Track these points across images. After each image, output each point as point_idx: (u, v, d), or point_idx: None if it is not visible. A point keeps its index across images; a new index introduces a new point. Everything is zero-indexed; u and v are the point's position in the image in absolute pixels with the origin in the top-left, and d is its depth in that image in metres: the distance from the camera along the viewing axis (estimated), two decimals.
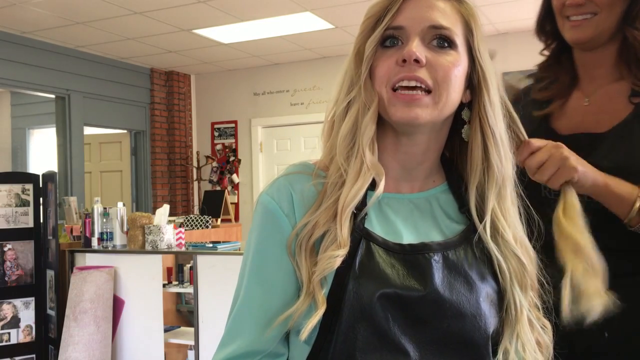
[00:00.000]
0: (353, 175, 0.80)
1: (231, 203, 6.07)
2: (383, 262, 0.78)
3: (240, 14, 4.69)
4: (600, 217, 1.08)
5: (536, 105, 1.26)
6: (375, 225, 0.82)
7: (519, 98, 1.29)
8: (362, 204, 0.81)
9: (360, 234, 0.80)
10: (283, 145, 6.43)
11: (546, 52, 1.31)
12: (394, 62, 0.80)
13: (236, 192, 6.56)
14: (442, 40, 0.80)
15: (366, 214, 0.81)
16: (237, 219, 6.39)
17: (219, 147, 6.70)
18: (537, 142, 1.01)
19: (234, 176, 6.56)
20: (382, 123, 0.84)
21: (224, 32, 5.14)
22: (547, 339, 0.86)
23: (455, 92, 0.81)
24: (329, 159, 0.85)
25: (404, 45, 0.80)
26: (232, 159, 6.61)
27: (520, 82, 1.36)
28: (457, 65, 0.81)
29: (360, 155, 0.81)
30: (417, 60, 0.78)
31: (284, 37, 5.36)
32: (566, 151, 1.01)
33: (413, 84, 0.78)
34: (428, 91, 0.79)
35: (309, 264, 0.78)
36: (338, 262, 0.76)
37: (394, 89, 0.79)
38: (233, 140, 6.62)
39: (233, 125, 6.63)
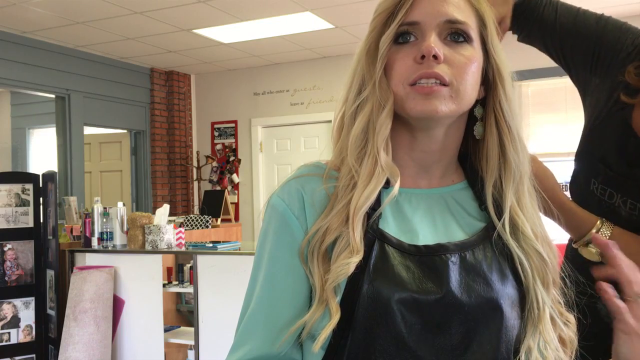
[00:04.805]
0: (365, 177, 0.78)
1: (231, 203, 6.07)
2: (398, 264, 0.76)
3: (240, 14, 4.69)
4: (612, 218, 1.08)
5: (627, 90, 1.12)
6: (390, 224, 0.80)
7: (615, 55, 1.14)
8: (376, 203, 0.78)
9: (374, 236, 0.77)
10: (283, 145, 6.43)
11: None
12: (411, 60, 0.77)
13: (236, 192, 6.56)
14: (457, 35, 0.79)
15: (380, 213, 0.79)
16: (237, 218, 6.39)
17: (219, 147, 6.70)
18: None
19: (234, 176, 6.56)
20: (396, 122, 0.81)
21: (224, 32, 5.14)
22: (572, 333, 0.84)
23: (471, 88, 0.79)
24: (339, 160, 0.82)
25: (419, 42, 0.78)
26: (232, 158, 6.61)
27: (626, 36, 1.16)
28: (473, 61, 0.79)
29: (374, 155, 0.78)
30: (435, 57, 0.76)
31: (284, 37, 5.36)
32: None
33: (432, 81, 0.76)
34: (445, 85, 0.77)
35: (321, 270, 0.76)
36: (352, 268, 0.73)
37: (411, 85, 0.77)
38: (233, 140, 6.62)
39: (233, 125, 6.63)
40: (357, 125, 0.80)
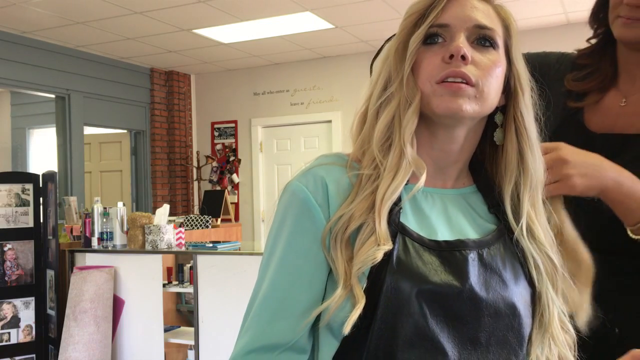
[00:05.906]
0: (391, 169, 0.80)
1: (231, 203, 6.08)
2: (419, 258, 0.78)
3: (240, 14, 4.69)
4: (596, 218, 1.07)
5: (571, 96, 1.20)
6: (410, 220, 0.82)
7: (547, 72, 1.21)
8: (398, 197, 0.81)
9: (396, 229, 0.79)
10: (283, 145, 6.44)
11: (593, 41, 1.24)
12: (439, 59, 0.80)
13: (236, 192, 6.56)
14: (484, 40, 0.82)
15: (401, 208, 0.81)
16: (237, 218, 6.39)
17: (219, 147, 6.70)
18: (545, 146, 0.94)
19: (234, 176, 6.56)
20: (418, 120, 0.83)
21: (224, 32, 5.14)
22: (570, 340, 0.87)
23: (494, 91, 0.82)
24: (361, 152, 0.84)
25: (447, 43, 0.81)
26: (232, 158, 6.61)
27: (549, 57, 1.28)
28: (498, 65, 0.82)
29: (400, 149, 0.80)
30: (463, 57, 0.79)
31: (284, 37, 5.36)
32: (570, 168, 0.94)
33: (459, 80, 0.79)
34: (471, 85, 0.80)
35: (345, 257, 0.77)
36: (380, 255, 0.75)
37: (438, 83, 0.80)
38: (233, 140, 6.62)
39: (233, 125, 6.63)
40: (382, 120, 0.82)
